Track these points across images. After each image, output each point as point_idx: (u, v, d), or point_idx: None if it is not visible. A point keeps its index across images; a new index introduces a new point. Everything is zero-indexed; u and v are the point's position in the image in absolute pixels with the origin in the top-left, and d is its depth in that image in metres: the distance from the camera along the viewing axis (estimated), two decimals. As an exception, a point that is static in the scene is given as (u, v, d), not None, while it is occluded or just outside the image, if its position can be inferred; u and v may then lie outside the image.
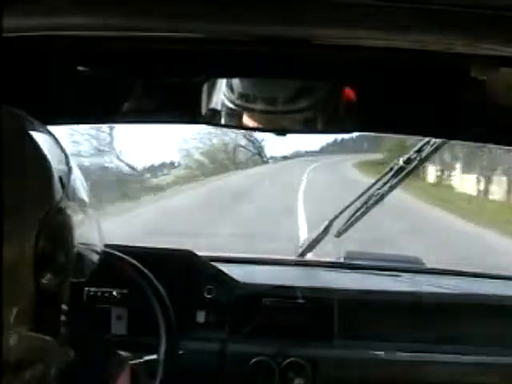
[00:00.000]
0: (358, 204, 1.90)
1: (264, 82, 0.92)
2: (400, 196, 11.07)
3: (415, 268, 1.85)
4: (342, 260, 1.87)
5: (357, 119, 0.92)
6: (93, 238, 0.65)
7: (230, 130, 1.07)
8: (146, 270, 1.31)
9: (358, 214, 1.90)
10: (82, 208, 0.61)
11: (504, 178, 12.37)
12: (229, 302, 1.53)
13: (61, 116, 1.18)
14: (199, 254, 1.59)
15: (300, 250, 1.91)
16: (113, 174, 11.23)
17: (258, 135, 14.25)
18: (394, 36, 0.71)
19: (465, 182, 13.82)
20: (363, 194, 1.92)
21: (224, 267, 1.58)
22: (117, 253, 1.29)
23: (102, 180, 9.82)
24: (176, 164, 16.22)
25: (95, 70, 1.09)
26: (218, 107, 0.92)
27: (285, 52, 0.83)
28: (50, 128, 0.63)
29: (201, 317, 1.52)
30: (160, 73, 1.11)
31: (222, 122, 0.93)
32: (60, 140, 0.63)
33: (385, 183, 1.88)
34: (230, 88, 0.90)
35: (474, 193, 13.16)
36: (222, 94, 0.91)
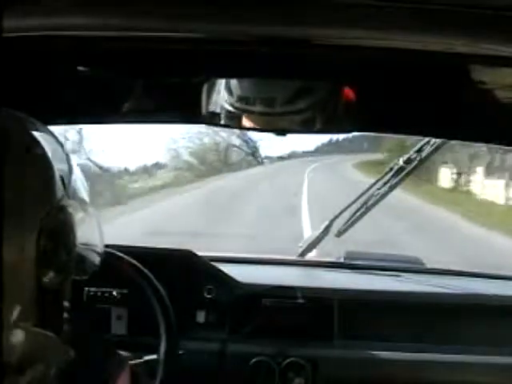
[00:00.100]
0: (358, 204, 1.91)
1: (262, 83, 0.92)
2: (415, 203, 10.30)
3: (415, 268, 1.85)
4: (341, 260, 1.87)
5: (356, 119, 0.92)
6: (94, 236, 0.65)
7: (222, 128, 1.07)
8: (146, 270, 1.31)
9: (358, 213, 1.90)
10: (82, 207, 0.61)
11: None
12: (229, 302, 1.53)
13: (60, 116, 1.19)
14: (199, 254, 1.60)
15: (300, 250, 1.91)
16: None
17: (253, 134, 13.68)
18: (394, 36, 0.71)
19: (489, 189, 11.65)
20: (363, 194, 1.92)
21: (224, 267, 1.58)
22: (117, 253, 1.29)
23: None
24: (163, 165, 14.96)
25: (95, 70, 1.09)
26: (218, 109, 0.92)
27: (285, 52, 0.83)
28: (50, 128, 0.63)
29: (201, 317, 1.53)
30: (160, 73, 1.11)
31: (224, 122, 0.93)
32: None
33: (385, 183, 1.88)
34: (229, 90, 0.90)
35: (500, 200, 10.89)
36: (224, 94, 0.91)
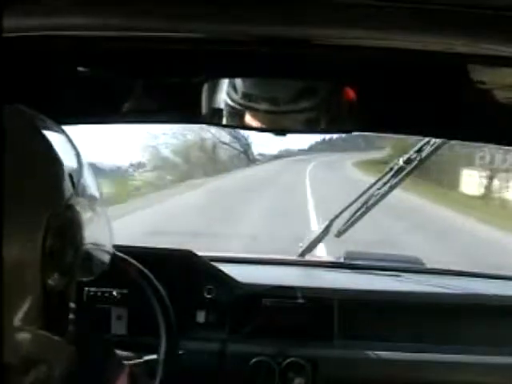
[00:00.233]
0: (358, 204, 1.91)
1: (267, 82, 0.92)
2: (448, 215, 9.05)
3: (415, 268, 1.85)
4: (342, 260, 1.87)
5: (357, 119, 0.92)
6: (102, 236, 0.64)
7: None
8: (146, 270, 1.31)
9: (358, 213, 1.91)
10: (91, 205, 0.60)
11: None
12: (229, 302, 1.53)
13: (60, 116, 1.18)
14: (199, 253, 1.60)
15: (300, 250, 1.91)
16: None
17: (245, 131, 12.50)
18: (394, 36, 0.71)
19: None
20: (363, 194, 1.92)
21: (224, 267, 1.58)
22: (117, 253, 1.29)
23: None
24: (141, 165, 12.71)
25: (95, 70, 1.09)
26: (220, 107, 0.92)
27: (285, 52, 0.83)
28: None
29: (201, 317, 1.52)
30: (160, 73, 1.11)
31: (224, 121, 0.93)
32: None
33: (385, 183, 1.88)
34: (233, 88, 0.90)
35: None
36: (224, 94, 0.91)
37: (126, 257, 1.28)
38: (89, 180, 0.61)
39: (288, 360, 1.45)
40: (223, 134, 13.56)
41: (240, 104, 0.90)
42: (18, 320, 0.48)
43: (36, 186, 0.52)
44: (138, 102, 1.21)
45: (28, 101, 0.61)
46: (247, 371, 1.45)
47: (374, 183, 1.93)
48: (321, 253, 2.73)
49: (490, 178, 10.71)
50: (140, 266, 1.30)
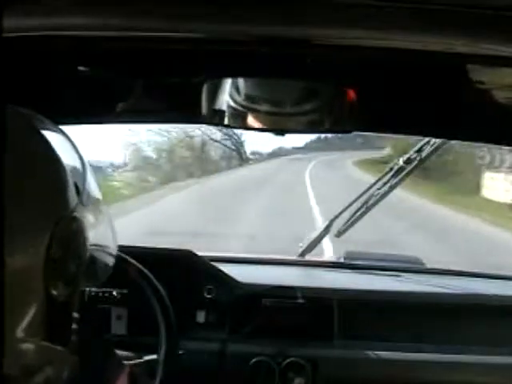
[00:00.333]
0: (358, 204, 1.91)
1: (270, 84, 0.92)
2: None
3: (415, 268, 1.85)
4: (342, 260, 1.87)
5: (357, 119, 0.92)
6: (107, 241, 0.62)
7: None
8: (145, 270, 1.31)
9: (358, 213, 1.91)
10: (96, 211, 0.58)
11: None
12: (229, 302, 1.53)
13: (60, 116, 1.18)
14: (199, 253, 1.60)
15: (300, 250, 1.91)
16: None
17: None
18: (394, 36, 0.71)
19: None
20: (363, 193, 1.92)
21: (224, 267, 1.58)
22: (117, 253, 1.29)
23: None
24: (121, 164, 11.31)
25: (95, 70, 1.09)
26: (222, 107, 0.91)
27: (285, 52, 0.83)
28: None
29: (201, 317, 1.53)
30: (160, 73, 1.11)
31: (225, 122, 0.92)
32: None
33: (385, 183, 1.89)
34: (236, 89, 0.90)
35: None
36: (226, 95, 0.90)
37: (126, 257, 1.27)
38: (92, 184, 0.59)
39: (288, 360, 1.45)
40: (214, 132, 12.24)
41: (242, 106, 0.90)
42: (20, 330, 0.47)
43: (40, 196, 0.50)
44: (138, 102, 1.21)
45: (28, 101, 0.60)
46: (247, 371, 1.45)
47: (374, 183, 1.94)
48: (328, 252, 2.73)
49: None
50: (140, 266, 1.30)
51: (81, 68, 1.07)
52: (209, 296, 1.53)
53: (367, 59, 0.90)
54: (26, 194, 0.49)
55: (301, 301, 1.51)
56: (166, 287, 1.31)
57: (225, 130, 10.73)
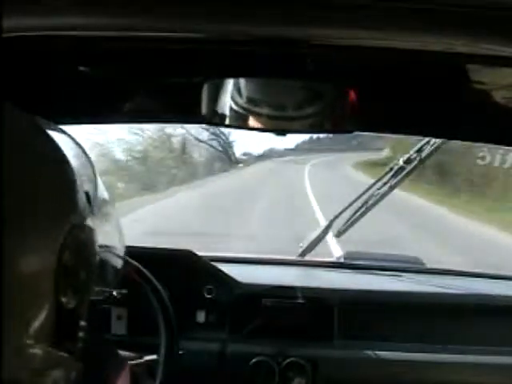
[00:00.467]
0: (358, 204, 1.91)
1: (272, 86, 0.92)
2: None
3: (416, 268, 1.85)
4: (342, 260, 1.87)
5: (357, 119, 0.92)
6: (116, 246, 0.62)
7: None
8: (145, 270, 1.31)
9: (358, 213, 1.91)
10: (105, 218, 0.57)
11: None
12: (229, 302, 1.53)
13: (60, 116, 1.18)
14: (199, 253, 1.60)
15: (300, 250, 1.91)
16: None
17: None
18: (394, 36, 0.71)
19: None
20: (363, 194, 1.92)
21: (224, 267, 1.58)
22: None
23: None
24: None
25: (95, 70, 1.09)
26: (223, 109, 0.91)
27: (285, 52, 0.83)
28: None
29: (201, 317, 1.53)
30: (160, 73, 1.11)
31: (226, 122, 0.92)
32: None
33: (385, 183, 1.89)
34: (238, 91, 0.89)
35: None
36: (227, 96, 0.90)
37: (126, 257, 1.27)
38: (102, 189, 0.58)
39: (288, 360, 1.45)
40: (200, 131, 10.34)
41: (244, 108, 0.90)
42: (27, 334, 0.47)
43: (52, 198, 0.49)
44: (138, 102, 1.21)
45: (27, 101, 0.60)
46: (247, 371, 1.45)
47: (374, 183, 1.94)
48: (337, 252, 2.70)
49: None
50: (140, 266, 1.30)
51: (81, 68, 1.07)
52: (209, 296, 1.53)
53: (367, 59, 0.90)
54: (39, 196, 0.48)
55: (301, 301, 1.51)
56: (166, 287, 1.31)
57: (212, 129, 9.64)
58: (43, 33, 0.73)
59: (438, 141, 1.72)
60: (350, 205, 1.93)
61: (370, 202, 1.89)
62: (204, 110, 0.93)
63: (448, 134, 1.29)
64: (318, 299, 1.54)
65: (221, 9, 0.69)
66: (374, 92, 1.01)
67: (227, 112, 0.91)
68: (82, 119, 1.27)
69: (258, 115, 0.89)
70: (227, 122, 0.92)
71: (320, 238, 1.93)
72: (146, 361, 1.25)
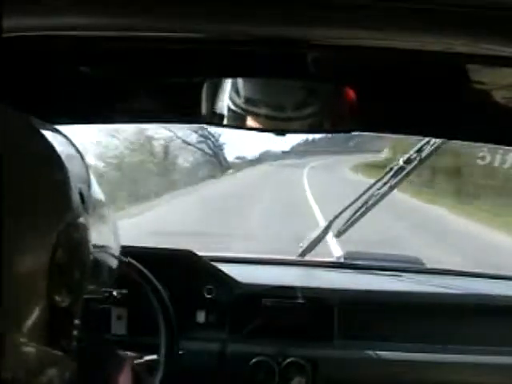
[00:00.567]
0: (358, 204, 1.91)
1: (271, 87, 0.92)
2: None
3: (416, 268, 1.85)
4: (342, 260, 1.87)
5: (357, 119, 0.92)
6: (111, 245, 0.62)
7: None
8: (146, 270, 1.31)
9: (358, 214, 1.91)
10: (100, 217, 0.57)
11: None
12: (229, 302, 1.53)
13: (60, 116, 1.18)
14: (199, 253, 1.60)
15: (300, 250, 1.91)
16: None
17: (216, 129, 7.80)
18: (394, 36, 0.71)
19: None
20: (363, 194, 1.92)
21: (224, 267, 1.58)
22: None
23: None
24: None
25: (95, 70, 1.09)
26: (222, 109, 0.91)
27: (285, 52, 0.83)
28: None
29: (201, 317, 1.53)
30: (160, 73, 1.11)
31: (225, 122, 0.92)
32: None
33: (385, 183, 1.89)
34: (236, 91, 0.89)
35: None
36: (226, 97, 0.90)
37: (126, 257, 1.27)
38: (96, 188, 0.57)
39: (288, 360, 1.45)
40: (187, 133, 9.36)
41: (242, 108, 0.90)
42: (21, 335, 0.47)
43: (46, 198, 0.49)
44: (138, 102, 1.21)
45: (26, 101, 0.60)
46: (247, 371, 1.45)
47: (374, 183, 1.94)
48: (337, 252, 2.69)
49: None
50: (140, 266, 1.30)
51: (81, 68, 1.07)
52: (209, 296, 1.53)
53: (367, 59, 0.90)
54: (32, 195, 0.48)
55: (301, 301, 1.51)
56: (166, 287, 1.31)
57: (199, 131, 8.78)
58: (43, 33, 0.73)
59: (438, 141, 1.72)
60: (350, 205, 1.93)
61: (370, 202, 1.89)
62: (204, 110, 0.93)
63: (448, 133, 1.29)
64: (318, 299, 1.54)
65: (221, 9, 0.69)
66: (373, 92, 1.01)
67: (227, 112, 0.91)
68: (82, 119, 1.27)
69: (257, 115, 0.90)
70: (226, 122, 0.92)
71: (320, 238, 1.93)
72: (146, 361, 1.25)
